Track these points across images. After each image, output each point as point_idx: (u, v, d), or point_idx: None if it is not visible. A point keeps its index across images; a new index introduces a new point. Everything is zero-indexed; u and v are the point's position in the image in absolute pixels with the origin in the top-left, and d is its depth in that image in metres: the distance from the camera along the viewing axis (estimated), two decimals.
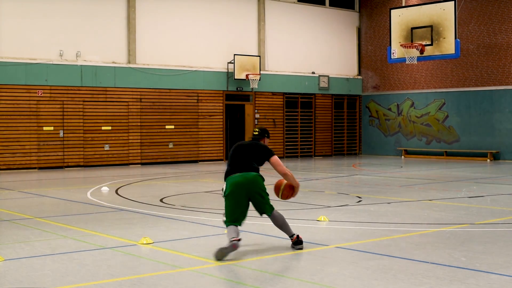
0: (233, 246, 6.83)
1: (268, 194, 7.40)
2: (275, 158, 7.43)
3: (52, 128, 20.74)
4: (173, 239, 8.11)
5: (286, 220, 7.49)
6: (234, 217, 7.16)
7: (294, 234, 7.42)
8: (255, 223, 9.27)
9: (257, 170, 7.40)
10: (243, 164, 7.32)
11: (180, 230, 8.54)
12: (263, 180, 7.44)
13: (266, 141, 7.72)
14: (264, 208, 7.33)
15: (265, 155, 7.45)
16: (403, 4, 18.99)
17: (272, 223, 7.48)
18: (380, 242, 7.85)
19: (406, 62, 16.81)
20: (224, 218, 7.26)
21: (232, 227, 7.08)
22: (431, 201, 11.85)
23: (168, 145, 23.18)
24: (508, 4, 23.98)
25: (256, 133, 7.68)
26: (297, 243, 7.36)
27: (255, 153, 7.42)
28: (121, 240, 8.07)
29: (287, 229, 7.44)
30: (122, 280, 6.06)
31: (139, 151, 22.55)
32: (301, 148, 27.30)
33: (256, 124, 25.60)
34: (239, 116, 25.85)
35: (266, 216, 7.47)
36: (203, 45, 24.11)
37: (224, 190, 7.30)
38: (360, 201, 11.93)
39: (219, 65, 24.54)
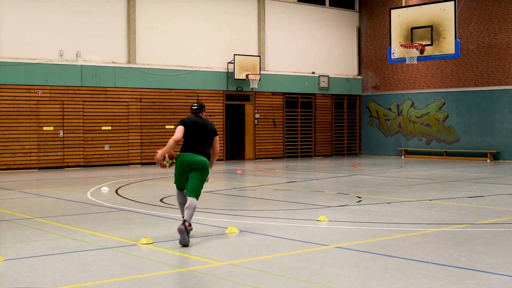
0: (180, 230, 7.60)
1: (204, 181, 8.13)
2: (217, 137, 8.39)
3: (52, 128, 20.74)
4: (173, 239, 8.11)
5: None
6: (179, 184, 8.27)
7: (186, 220, 7.85)
8: (255, 223, 9.28)
9: (208, 155, 8.20)
10: (198, 146, 8.18)
11: None
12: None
13: (204, 114, 8.54)
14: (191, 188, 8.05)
15: (213, 134, 8.31)
16: (403, 4, 19.00)
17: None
18: (380, 242, 7.84)
19: (406, 62, 16.81)
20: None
21: (180, 196, 8.28)
22: (431, 201, 11.85)
23: None
24: (508, 4, 23.98)
25: (195, 107, 8.43)
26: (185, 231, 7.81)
27: (208, 134, 8.23)
28: (121, 240, 8.07)
29: (188, 214, 7.94)
30: (122, 280, 6.06)
31: (139, 151, 22.54)
32: (301, 148, 27.29)
33: (256, 124, 25.61)
34: (239, 116, 25.84)
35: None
36: (203, 45, 24.11)
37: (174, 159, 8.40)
38: (360, 201, 11.93)
39: (219, 65, 24.54)
